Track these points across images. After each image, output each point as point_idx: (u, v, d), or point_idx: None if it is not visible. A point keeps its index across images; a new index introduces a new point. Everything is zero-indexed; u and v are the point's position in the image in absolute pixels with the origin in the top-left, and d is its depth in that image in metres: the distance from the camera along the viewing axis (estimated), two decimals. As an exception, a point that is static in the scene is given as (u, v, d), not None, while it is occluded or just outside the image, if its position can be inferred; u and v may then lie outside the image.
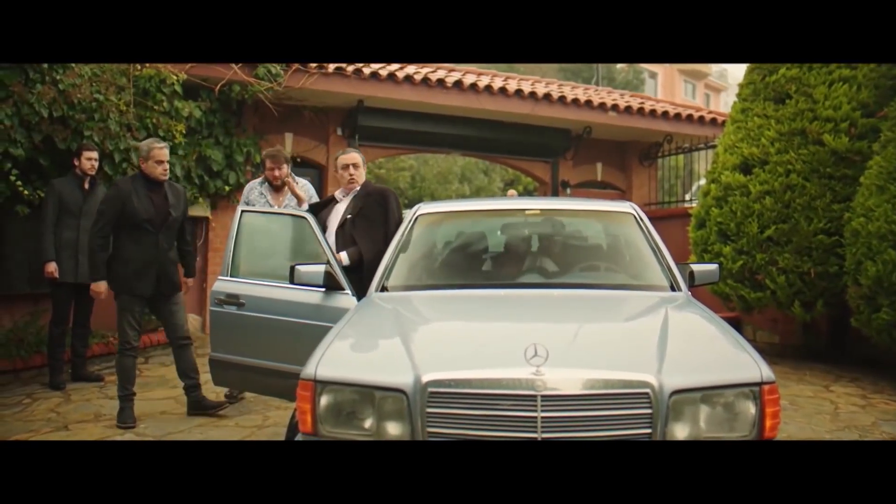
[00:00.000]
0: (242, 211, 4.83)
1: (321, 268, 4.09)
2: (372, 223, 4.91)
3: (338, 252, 4.74)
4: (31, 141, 6.20)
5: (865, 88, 7.27)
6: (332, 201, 5.25)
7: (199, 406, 5.37)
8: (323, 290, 4.21)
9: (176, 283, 5.31)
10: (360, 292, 4.13)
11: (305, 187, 5.92)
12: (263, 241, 4.90)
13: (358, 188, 5.13)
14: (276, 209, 5.61)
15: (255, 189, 5.92)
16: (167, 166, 5.19)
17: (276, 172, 5.77)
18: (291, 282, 4.07)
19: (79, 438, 4.74)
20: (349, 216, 4.97)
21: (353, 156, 5.18)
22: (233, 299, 4.58)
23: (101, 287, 5.11)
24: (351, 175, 5.11)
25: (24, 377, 6.41)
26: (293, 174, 5.96)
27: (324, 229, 4.88)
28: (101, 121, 6.75)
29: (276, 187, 5.84)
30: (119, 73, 7.32)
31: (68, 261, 6.14)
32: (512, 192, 11.31)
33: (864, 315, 6.54)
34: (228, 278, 4.67)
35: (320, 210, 5.21)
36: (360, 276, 4.50)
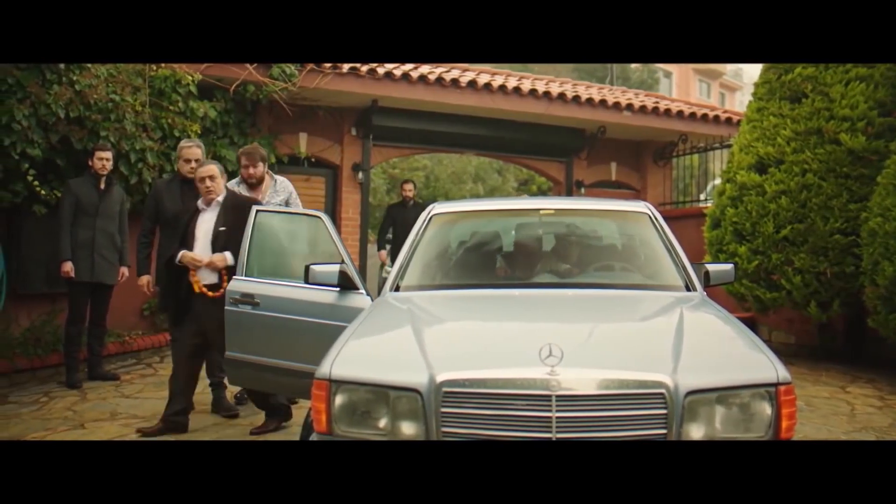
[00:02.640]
0: (257, 210, 4.81)
1: (336, 267, 4.06)
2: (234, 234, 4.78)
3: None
4: (47, 141, 6.24)
5: (882, 87, 7.22)
6: (196, 210, 5.03)
7: (217, 405, 5.42)
8: (337, 289, 4.21)
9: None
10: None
11: (283, 184, 5.79)
12: (278, 240, 4.88)
13: (221, 199, 4.97)
14: (288, 209, 5.56)
15: (234, 188, 5.68)
16: (194, 165, 5.23)
17: (251, 170, 5.60)
18: (306, 281, 4.05)
19: (95, 437, 4.77)
20: (221, 229, 4.88)
21: (210, 168, 4.94)
22: (248, 299, 4.56)
23: (140, 280, 5.36)
24: (208, 188, 4.93)
25: (42, 376, 6.46)
26: (271, 172, 5.86)
27: (186, 237, 4.88)
28: (117, 121, 6.80)
29: (252, 185, 5.65)
30: (135, 73, 7.37)
31: (84, 260, 6.18)
32: (524, 196, 11.42)
33: (881, 315, 6.49)
34: (244, 278, 4.64)
35: (184, 216, 5.12)
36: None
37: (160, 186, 5.59)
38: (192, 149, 5.30)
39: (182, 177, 5.53)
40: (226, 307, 4.62)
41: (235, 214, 4.84)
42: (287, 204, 5.70)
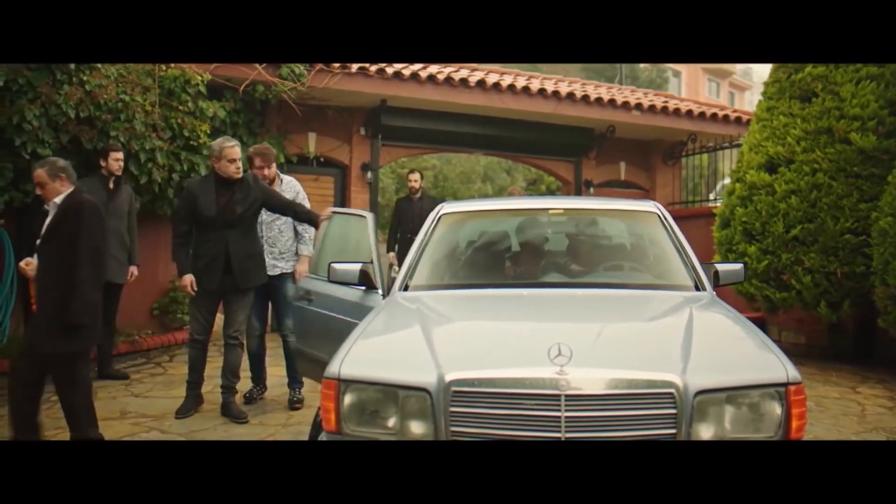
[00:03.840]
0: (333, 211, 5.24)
1: (356, 266, 4.10)
2: (61, 244, 4.21)
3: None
4: (58, 141, 6.27)
5: (893, 86, 7.19)
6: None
7: (225, 409, 5.37)
8: (363, 288, 4.25)
9: (248, 279, 5.29)
10: None
11: (290, 184, 5.81)
12: (336, 239, 5.25)
13: (59, 200, 4.33)
14: (343, 210, 5.75)
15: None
16: (240, 164, 5.24)
17: (266, 171, 5.64)
18: (328, 279, 4.18)
19: (105, 436, 4.78)
20: (43, 232, 4.35)
21: (39, 173, 4.32)
22: (306, 295, 5.03)
23: (183, 281, 5.30)
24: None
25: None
26: (279, 172, 5.88)
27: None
28: (127, 121, 6.82)
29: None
30: (144, 73, 7.40)
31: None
32: (514, 189, 11.18)
33: (892, 315, 6.46)
34: (311, 275, 5.30)
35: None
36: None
37: (192, 188, 5.36)
38: (237, 148, 5.24)
39: (222, 177, 5.24)
40: (294, 302, 5.28)
41: (62, 219, 4.25)
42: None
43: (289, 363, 5.77)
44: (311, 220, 5.41)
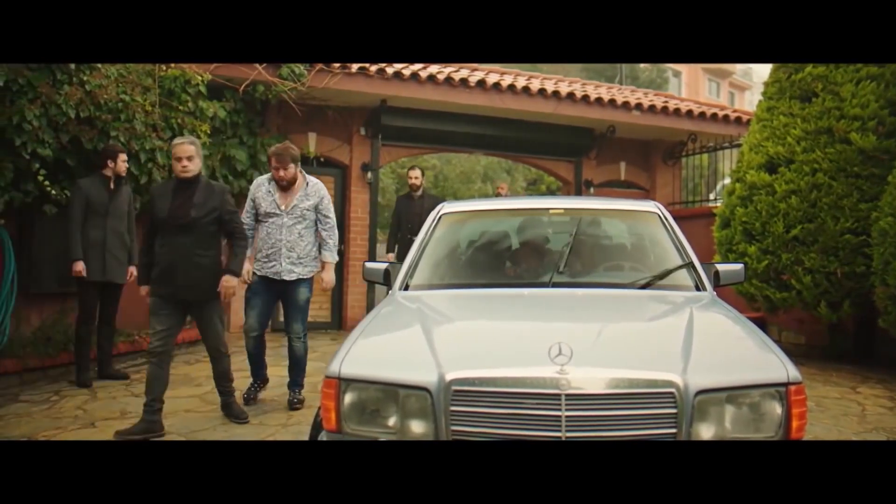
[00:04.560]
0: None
1: (383, 265, 4.29)
2: None
3: None
4: (58, 141, 6.26)
5: (893, 86, 7.19)
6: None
7: (225, 410, 5.34)
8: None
9: (204, 289, 4.99)
10: None
11: (315, 188, 5.62)
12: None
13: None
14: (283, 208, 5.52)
15: (262, 186, 5.61)
16: (186, 163, 4.86)
17: (282, 173, 5.44)
18: (363, 277, 4.42)
19: (105, 436, 4.79)
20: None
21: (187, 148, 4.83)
22: None
23: (141, 290, 5.18)
24: (184, 167, 4.88)
25: (52, 374, 6.49)
26: (304, 172, 5.68)
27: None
28: (127, 121, 6.82)
29: (283, 188, 5.53)
30: (145, 73, 7.39)
31: (95, 260, 6.21)
32: (502, 185, 11.09)
33: (892, 316, 6.46)
34: None
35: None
36: None
37: (155, 189, 5.18)
38: (185, 145, 4.90)
39: (177, 179, 4.99)
40: None
41: None
42: (317, 209, 5.58)
43: (292, 365, 5.70)
44: (236, 256, 5.11)
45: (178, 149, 4.89)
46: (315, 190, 5.61)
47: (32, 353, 6.45)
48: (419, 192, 9.22)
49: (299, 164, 5.60)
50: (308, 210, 5.55)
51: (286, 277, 5.48)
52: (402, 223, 9.18)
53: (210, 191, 5.00)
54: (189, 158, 4.88)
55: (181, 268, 4.88)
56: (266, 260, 5.52)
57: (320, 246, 5.67)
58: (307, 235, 5.58)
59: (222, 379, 5.29)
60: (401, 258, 8.08)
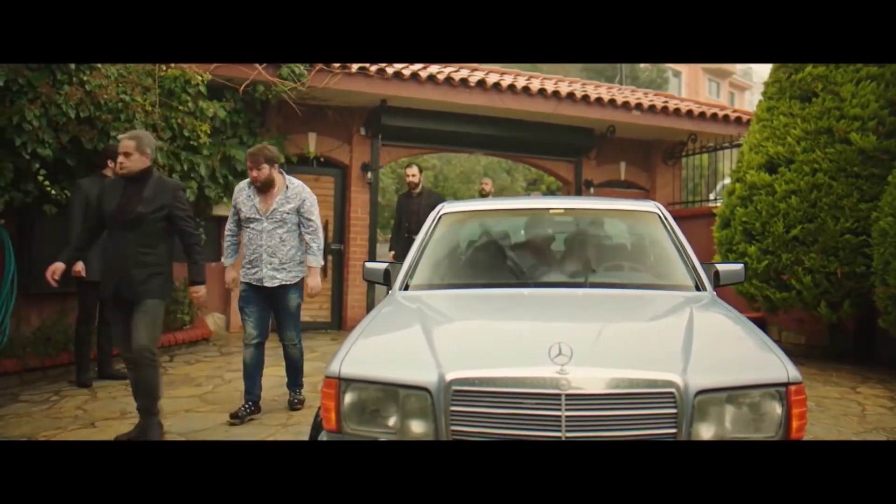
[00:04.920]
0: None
1: (383, 265, 4.31)
2: None
3: None
4: (58, 141, 6.27)
5: (893, 86, 7.18)
6: None
7: (141, 433, 4.68)
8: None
9: (140, 289, 4.58)
10: None
11: (296, 191, 5.39)
12: None
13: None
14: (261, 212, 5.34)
15: (243, 191, 5.45)
16: (122, 159, 4.59)
17: (255, 173, 5.25)
18: (363, 277, 4.44)
19: (105, 436, 4.79)
20: None
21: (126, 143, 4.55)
22: None
23: (49, 270, 4.71)
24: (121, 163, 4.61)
25: (52, 374, 6.50)
26: (284, 174, 5.50)
27: None
28: (127, 121, 6.82)
29: (259, 188, 5.33)
30: (145, 73, 7.40)
31: (95, 260, 6.18)
32: (486, 181, 11.02)
33: (892, 316, 6.46)
34: None
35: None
36: None
37: (108, 183, 4.96)
38: (124, 141, 4.63)
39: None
40: None
41: None
42: (299, 213, 5.38)
43: (290, 368, 5.66)
44: (195, 263, 4.79)
45: (120, 144, 4.67)
46: (296, 192, 5.40)
47: (32, 353, 6.46)
48: (418, 190, 9.12)
49: (276, 165, 5.39)
50: (289, 213, 5.35)
51: (268, 284, 5.31)
52: (401, 220, 9.16)
53: (161, 187, 4.70)
54: (126, 154, 4.59)
55: (122, 265, 4.60)
56: (250, 266, 5.36)
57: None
58: (289, 240, 5.37)
59: (143, 394, 4.66)
60: (399, 258, 8.07)
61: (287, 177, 5.49)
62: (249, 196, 5.40)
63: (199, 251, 4.81)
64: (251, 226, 5.37)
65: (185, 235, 4.75)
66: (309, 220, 5.41)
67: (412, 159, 12.24)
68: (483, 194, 10.35)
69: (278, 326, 5.56)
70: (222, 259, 5.58)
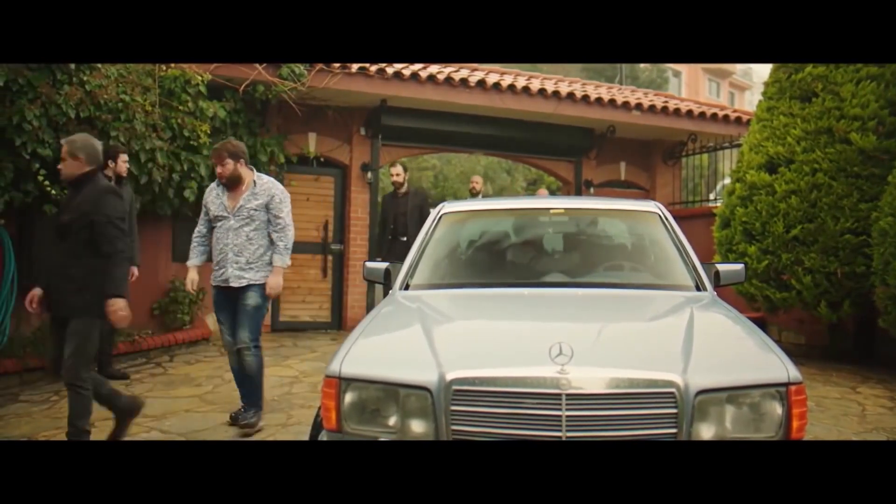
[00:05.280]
0: None
1: (383, 265, 4.30)
2: None
3: None
4: (58, 141, 6.24)
5: (893, 86, 7.19)
6: None
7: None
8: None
9: (70, 305, 4.28)
10: None
11: (265, 187, 5.14)
12: None
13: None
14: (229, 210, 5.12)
15: (213, 190, 5.27)
16: (68, 161, 4.37)
17: (219, 169, 5.09)
18: (363, 277, 4.45)
19: (105, 435, 4.78)
20: None
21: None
22: None
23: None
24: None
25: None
26: (254, 170, 5.27)
27: None
28: (128, 121, 6.82)
29: (226, 186, 5.15)
30: (145, 73, 7.40)
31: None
32: (476, 178, 10.47)
33: (892, 316, 6.46)
34: None
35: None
36: None
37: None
38: (65, 145, 4.44)
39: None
40: None
41: None
42: (267, 209, 5.09)
43: (244, 378, 5.16)
44: (108, 275, 4.26)
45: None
46: (265, 189, 5.14)
47: (32, 353, 6.45)
48: (403, 190, 8.78)
49: (242, 160, 5.15)
50: (256, 210, 5.08)
51: (234, 284, 5.04)
52: (386, 222, 8.86)
53: (92, 192, 4.35)
54: (62, 159, 4.41)
55: (53, 279, 4.36)
56: (217, 267, 5.14)
57: None
58: (257, 238, 5.10)
59: (74, 418, 4.31)
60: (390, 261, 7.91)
61: (257, 173, 5.27)
62: (219, 194, 5.21)
63: (118, 262, 4.31)
64: (219, 224, 5.16)
65: (102, 243, 4.26)
66: (277, 217, 5.11)
67: (412, 159, 12.22)
68: (474, 193, 10.10)
69: (234, 327, 5.13)
70: (188, 262, 5.37)
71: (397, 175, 8.79)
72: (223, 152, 5.08)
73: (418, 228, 7.55)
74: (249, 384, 5.16)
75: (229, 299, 5.13)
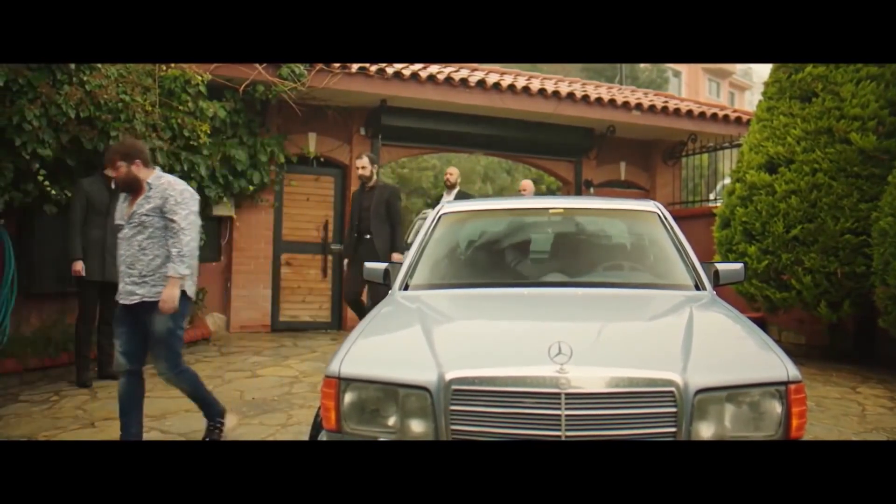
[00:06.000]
0: None
1: (382, 265, 4.31)
2: None
3: None
4: (58, 141, 6.26)
5: (893, 86, 7.19)
6: None
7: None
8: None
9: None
10: None
11: (159, 189, 4.39)
12: None
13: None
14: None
15: (120, 196, 4.63)
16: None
17: (111, 173, 4.63)
18: (364, 277, 4.47)
19: (105, 436, 4.79)
20: None
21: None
22: None
23: None
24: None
25: (52, 375, 6.49)
26: (156, 169, 4.55)
27: None
28: (127, 121, 6.82)
29: (125, 191, 4.52)
30: (145, 73, 7.40)
31: (96, 259, 6.21)
32: (450, 170, 9.74)
33: (892, 315, 6.46)
34: None
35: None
36: None
37: None
38: None
39: None
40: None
41: None
42: (162, 212, 4.35)
43: (191, 398, 4.69)
44: None
45: None
46: (159, 190, 4.39)
47: (32, 353, 6.45)
48: (371, 184, 7.66)
49: (139, 161, 4.43)
50: (148, 215, 4.36)
51: (125, 301, 4.38)
52: (353, 217, 7.83)
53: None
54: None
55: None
56: (120, 282, 4.52)
57: None
58: (151, 248, 4.37)
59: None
60: (353, 263, 7.34)
61: (157, 173, 4.52)
62: (123, 200, 4.58)
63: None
64: (119, 234, 4.52)
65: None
66: (172, 220, 4.34)
67: (412, 159, 12.19)
68: (449, 185, 9.39)
69: (133, 346, 4.49)
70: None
71: (363, 168, 7.64)
72: (114, 154, 4.46)
73: (383, 226, 7.48)
74: (197, 402, 4.69)
75: (129, 315, 4.44)
